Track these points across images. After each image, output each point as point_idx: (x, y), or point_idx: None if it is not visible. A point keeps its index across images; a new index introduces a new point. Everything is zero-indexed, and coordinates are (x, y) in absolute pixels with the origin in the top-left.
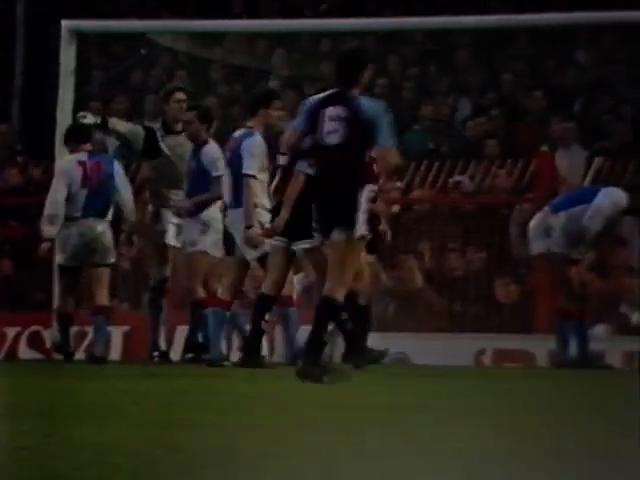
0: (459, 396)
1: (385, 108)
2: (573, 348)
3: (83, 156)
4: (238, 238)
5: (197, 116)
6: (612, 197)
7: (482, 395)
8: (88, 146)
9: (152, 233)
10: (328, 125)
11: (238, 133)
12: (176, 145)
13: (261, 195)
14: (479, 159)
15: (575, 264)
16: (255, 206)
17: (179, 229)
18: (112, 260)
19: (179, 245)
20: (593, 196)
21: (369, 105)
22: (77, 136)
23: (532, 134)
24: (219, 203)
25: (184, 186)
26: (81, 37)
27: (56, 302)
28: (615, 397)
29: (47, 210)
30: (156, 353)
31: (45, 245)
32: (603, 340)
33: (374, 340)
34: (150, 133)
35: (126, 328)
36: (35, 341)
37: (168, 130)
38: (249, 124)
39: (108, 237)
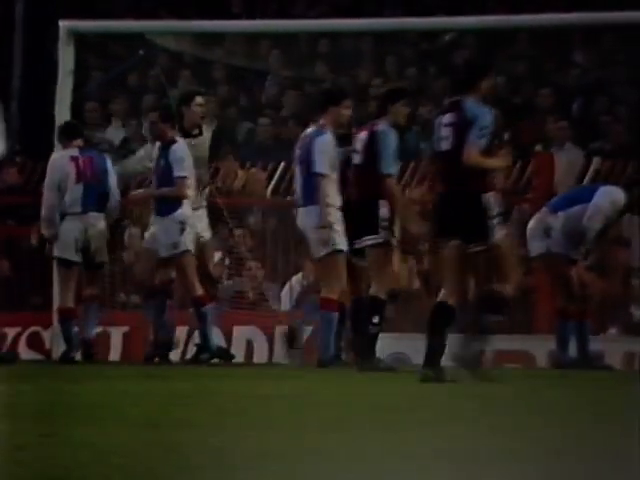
0: (459, 397)
1: (487, 112)
2: (573, 349)
3: (75, 152)
4: (310, 236)
5: (159, 116)
6: (611, 196)
7: (482, 396)
8: (79, 142)
9: None
10: (441, 132)
11: (309, 131)
12: (195, 147)
13: (332, 193)
14: None
15: (575, 264)
16: (326, 205)
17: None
18: (105, 259)
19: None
20: (591, 195)
21: (472, 108)
22: (68, 132)
23: (533, 134)
24: (189, 201)
25: (152, 184)
26: (79, 38)
27: (57, 302)
28: (615, 398)
29: (43, 214)
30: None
31: (50, 247)
32: (603, 341)
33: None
34: None
35: (125, 329)
36: (35, 341)
37: (186, 134)
38: (320, 122)
39: (104, 237)
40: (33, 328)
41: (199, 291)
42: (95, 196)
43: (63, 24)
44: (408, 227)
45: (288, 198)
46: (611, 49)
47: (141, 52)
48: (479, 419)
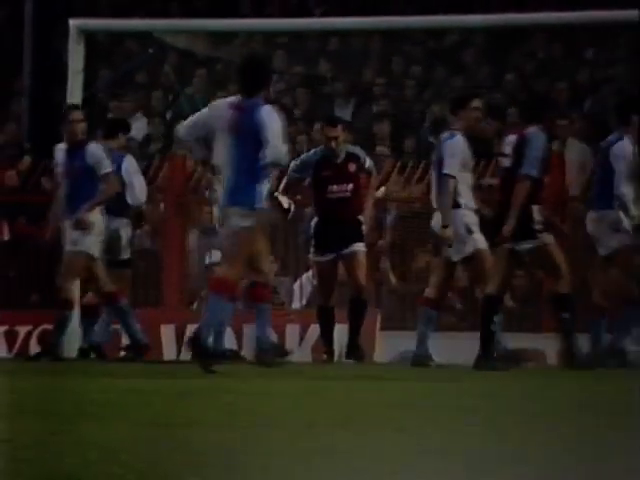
0: (467, 395)
1: None
2: (586, 346)
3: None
4: (456, 239)
5: (84, 115)
6: (621, 152)
7: (492, 394)
8: (122, 140)
9: None
10: None
11: (443, 135)
12: None
13: (465, 195)
14: (488, 158)
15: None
16: (459, 206)
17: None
18: (128, 256)
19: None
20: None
21: None
22: (114, 128)
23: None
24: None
25: (63, 189)
26: (89, 36)
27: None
28: (626, 396)
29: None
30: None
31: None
32: None
33: (387, 338)
34: None
35: None
36: (46, 339)
37: None
38: (453, 126)
39: (126, 235)
40: (44, 326)
41: (111, 287)
42: (116, 201)
43: (73, 22)
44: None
45: (298, 197)
46: (621, 47)
47: (150, 50)
48: (489, 417)
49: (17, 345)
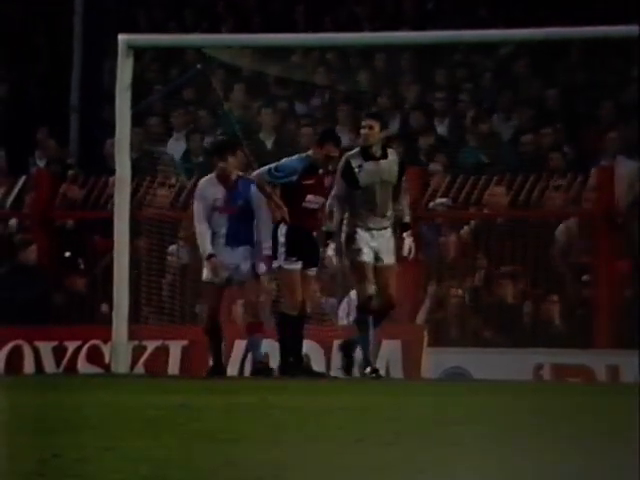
0: (516, 411)
1: None
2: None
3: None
4: None
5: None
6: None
7: (543, 410)
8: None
9: (349, 252)
10: None
11: None
12: (376, 170)
13: None
14: (538, 173)
15: None
16: None
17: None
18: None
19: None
20: None
21: None
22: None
23: (593, 146)
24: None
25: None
26: (138, 51)
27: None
28: None
29: None
30: (368, 369)
31: None
32: None
33: (434, 355)
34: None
35: (184, 342)
36: (94, 355)
37: (368, 157)
38: None
39: None
40: (93, 342)
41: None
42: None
43: (122, 38)
44: None
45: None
46: None
47: (198, 66)
48: (540, 433)
49: (65, 361)
